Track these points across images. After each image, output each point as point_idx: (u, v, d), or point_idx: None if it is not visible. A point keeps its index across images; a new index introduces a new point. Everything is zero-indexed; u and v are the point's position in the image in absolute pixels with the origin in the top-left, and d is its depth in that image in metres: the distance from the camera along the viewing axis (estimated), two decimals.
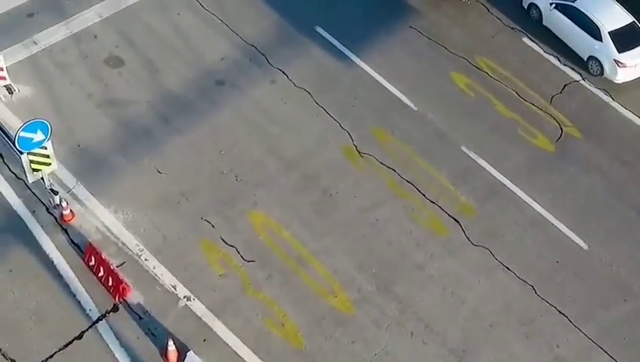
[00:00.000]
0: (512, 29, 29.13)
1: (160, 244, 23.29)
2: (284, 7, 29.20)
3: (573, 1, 28.14)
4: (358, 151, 25.65)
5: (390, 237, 23.86)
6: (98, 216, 23.73)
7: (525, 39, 28.83)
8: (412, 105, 26.87)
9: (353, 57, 28.02)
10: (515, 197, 24.87)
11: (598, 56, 27.51)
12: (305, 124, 26.20)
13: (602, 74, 27.62)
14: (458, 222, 24.28)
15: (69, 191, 24.13)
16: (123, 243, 23.26)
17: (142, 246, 23.22)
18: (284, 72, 27.44)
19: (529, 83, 27.67)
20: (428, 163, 25.47)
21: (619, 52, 27.10)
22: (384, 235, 23.90)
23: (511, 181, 25.21)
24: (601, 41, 27.36)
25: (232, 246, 23.35)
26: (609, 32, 27.28)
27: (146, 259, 22.98)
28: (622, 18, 27.67)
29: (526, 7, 29.57)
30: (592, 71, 27.88)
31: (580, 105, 27.27)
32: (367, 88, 27.22)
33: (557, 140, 26.27)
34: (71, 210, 23.53)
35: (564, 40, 28.36)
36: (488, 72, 27.82)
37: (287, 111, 26.50)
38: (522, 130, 26.46)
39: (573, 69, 28.10)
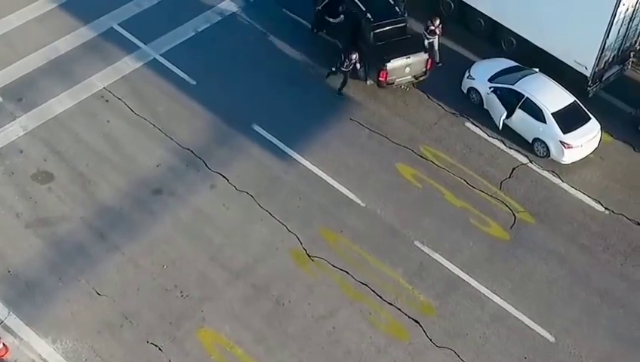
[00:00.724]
0: (454, 114, 28.76)
1: None
2: (218, 106, 28.36)
3: (513, 84, 27.91)
4: (307, 254, 24.66)
5: (349, 347, 22.76)
6: (34, 348, 22.14)
7: (468, 124, 28.48)
8: (359, 201, 26.09)
9: (294, 155, 27.22)
10: (474, 291, 24.12)
11: (543, 138, 27.23)
12: (250, 230, 25.16)
13: (549, 155, 27.31)
14: (419, 323, 23.35)
15: (0, 323, 22.47)
16: None
17: None
18: (223, 176, 26.46)
19: (476, 169, 27.21)
20: (381, 261, 24.61)
21: (564, 133, 26.85)
22: (342, 344, 22.79)
23: (468, 274, 24.48)
24: (544, 122, 27.11)
25: None
26: (552, 114, 27.05)
27: None
28: (563, 98, 27.53)
29: (465, 91, 29.30)
30: (538, 153, 27.59)
31: (530, 188, 26.86)
32: (311, 186, 26.39)
33: (511, 227, 25.73)
34: (4, 344, 21.91)
35: (507, 123, 28.02)
36: (434, 161, 27.29)
37: (229, 217, 25.44)
38: (474, 219, 25.85)
39: (519, 151, 27.77)
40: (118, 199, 25.66)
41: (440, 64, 29.76)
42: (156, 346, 22.42)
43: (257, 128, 27.91)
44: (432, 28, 29.36)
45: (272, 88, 29.18)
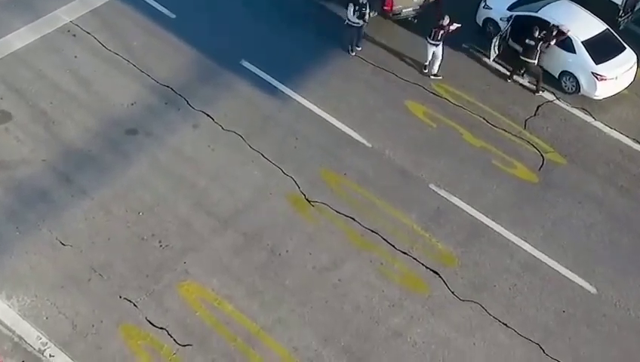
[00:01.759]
0: (468, 48, 25.65)
1: (68, 335, 18.57)
2: (201, 42, 25.21)
3: (536, 12, 24.86)
4: (307, 199, 21.53)
5: (358, 301, 19.63)
6: None
7: (486, 59, 25.36)
8: (365, 142, 22.98)
9: (289, 91, 24.09)
10: (501, 238, 21.07)
11: (572, 71, 24.21)
12: (239, 173, 22.02)
13: (578, 90, 24.30)
14: (438, 274, 20.25)
15: None
16: (20, 338, 18.48)
17: (45, 339, 18.47)
18: (208, 115, 23.31)
19: (497, 107, 24.17)
20: (392, 206, 21.50)
21: (596, 63, 23.83)
22: (350, 298, 19.65)
23: (492, 219, 21.42)
24: (574, 53, 24.07)
25: (161, 328, 18.78)
26: (583, 42, 24.02)
27: (51, 356, 18.23)
28: (594, 26, 24.53)
29: (481, 23, 26.25)
30: (566, 88, 24.57)
31: (558, 127, 23.83)
32: (309, 125, 23.26)
33: (539, 168, 22.70)
34: None
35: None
36: (449, 99, 24.23)
37: (215, 159, 22.30)
38: (497, 160, 22.80)
39: (543, 87, 24.69)
40: (86, 140, 22.48)
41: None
42: (130, 301, 19.24)
43: (246, 64, 24.79)
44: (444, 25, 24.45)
45: (263, 22, 26.12)
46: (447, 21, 24.01)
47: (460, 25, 24.23)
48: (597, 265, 20.59)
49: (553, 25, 23.92)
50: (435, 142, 23.17)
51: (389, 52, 25.51)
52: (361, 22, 24.57)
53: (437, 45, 24.25)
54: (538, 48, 23.75)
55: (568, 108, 24.33)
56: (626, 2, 25.47)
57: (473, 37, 26.00)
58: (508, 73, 24.84)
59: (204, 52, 24.95)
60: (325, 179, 22.02)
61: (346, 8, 24.51)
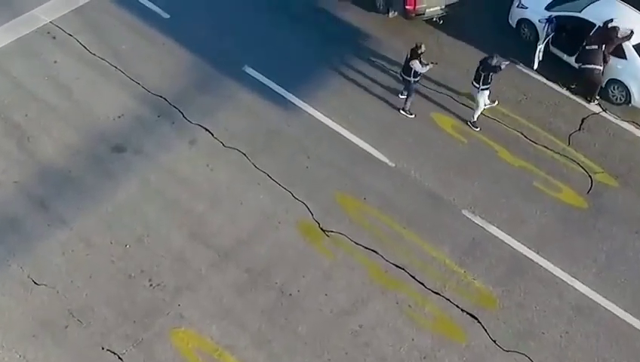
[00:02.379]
0: (501, 53, 22.71)
1: None
2: (199, 45, 22.34)
3: (580, 12, 21.97)
4: (321, 228, 18.65)
5: (383, 351, 16.74)
6: None
7: (521, 65, 22.48)
8: (387, 161, 20.11)
9: (298, 102, 21.23)
10: (547, 275, 18.18)
11: (622, 79, 21.32)
12: (243, 197, 19.14)
13: (629, 101, 21.42)
14: (476, 318, 17.36)
15: None
16: None
17: None
18: (206, 129, 20.45)
19: (536, 120, 21.30)
20: (420, 237, 18.61)
21: None
22: (374, 348, 16.77)
23: (537, 253, 18.54)
24: (624, 58, 21.18)
25: None
26: (634, 47, 21.13)
27: None
28: None
29: (514, 24, 23.36)
30: (614, 98, 21.68)
31: (607, 144, 20.94)
32: (321, 141, 20.40)
33: (588, 192, 19.81)
34: None
35: (570, 62, 22.10)
36: (481, 111, 21.30)
37: (215, 181, 19.41)
38: (539, 182, 19.91)
39: (599, 103, 21.80)
40: (65, 158, 19.62)
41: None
42: (114, 354, 16.38)
43: (250, 70, 21.90)
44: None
45: (269, 22, 23.26)
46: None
47: (508, 62, 20.94)
48: None
49: (609, 27, 21.02)
50: (467, 160, 20.30)
51: None
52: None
53: (489, 89, 20.73)
54: (603, 52, 20.82)
55: (617, 121, 21.44)
56: None
57: (505, 40, 23.09)
58: (586, 98, 21.86)
59: (201, 57, 22.10)
60: (342, 205, 19.14)
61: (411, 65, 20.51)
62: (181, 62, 21.99)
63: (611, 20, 21.27)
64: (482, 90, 20.43)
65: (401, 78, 21.02)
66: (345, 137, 20.55)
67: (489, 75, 20.19)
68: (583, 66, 21.21)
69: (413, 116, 21.00)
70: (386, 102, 21.43)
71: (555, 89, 22.10)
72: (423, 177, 19.80)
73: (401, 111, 21.01)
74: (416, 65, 20.24)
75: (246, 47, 22.47)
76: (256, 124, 20.69)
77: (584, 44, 21.18)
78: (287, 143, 20.33)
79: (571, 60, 22.05)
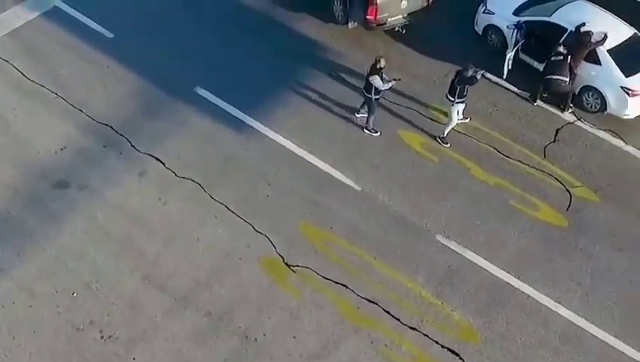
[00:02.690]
0: (468, 62, 21.48)
1: None
2: (147, 66, 20.89)
3: (550, 16, 20.84)
4: (286, 263, 17.32)
5: None
6: None
7: (489, 75, 21.28)
8: (353, 184, 18.82)
9: (255, 124, 19.87)
10: (531, 303, 17.02)
11: (596, 86, 20.22)
12: (199, 233, 17.72)
13: (604, 109, 20.33)
14: (458, 355, 16.19)
15: None
16: None
17: None
18: (157, 159, 19.02)
19: (509, 133, 20.16)
20: (393, 268, 17.37)
21: (626, 76, 19.87)
22: None
23: (518, 278, 17.38)
24: (598, 64, 20.08)
25: None
26: (609, 51, 20.04)
27: None
28: (620, 31, 20.58)
29: (480, 31, 22.18)
30: (589, 106, 20.59)
31: (584, 155, 19.85)
32: (283, 167, 19.04)
33: (567, 208, 18.67)
34: None
35: (538, 66, 20.98)
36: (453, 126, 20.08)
37: (169, 216, 17.98)
38: (516, 201, 18.76)
39: (574, 111, 20.69)
40: (2, 199, 18.11)
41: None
42: None
43: (202, 92, 20.51)
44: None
45: (220, 37, 21.90)
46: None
47: (484, 71, 19.71)
48: None
49: (582, 31, 19.90)
50: (438, 180, 19.07)
51: None
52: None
53: (464, 102, 19.49)
54: (568, 62, 19.71)
55: (593, 130, 20.35)
56: None
57: (472, 48, 21.91)
58: (529, 95, 20.76)
59: (150, 79, 20.64)
60: (307, 236, 17.81)
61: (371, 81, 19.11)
62: (127, 86, 20.50)
63: (583, 24, 20.16)
64: (457, 103, 19.20)
65: (361, 94, 19.72)
66: (307, 161, 19.22)
67: (464, 87, 18.96)
68: (547, 77, 20.04)
69: (378, 134, 19.73)
70: (350, 120, 20.15)
71: (527, 98, 20.92)
72: (393, 201, 18.52)
73: (365, 131, 19.71)
74: (376, 81, 18.94)
75: (197, 66, 21.06)
76: (210, 150, 19.28)
77: (551, 55, 20.03)
78: (245, 170, 18.95)
79: (542, 67, 20.90)
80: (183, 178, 18.65)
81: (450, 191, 18.83)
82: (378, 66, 18.91)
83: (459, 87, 18.98)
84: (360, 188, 18.73)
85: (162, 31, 21.86)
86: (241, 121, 19.93)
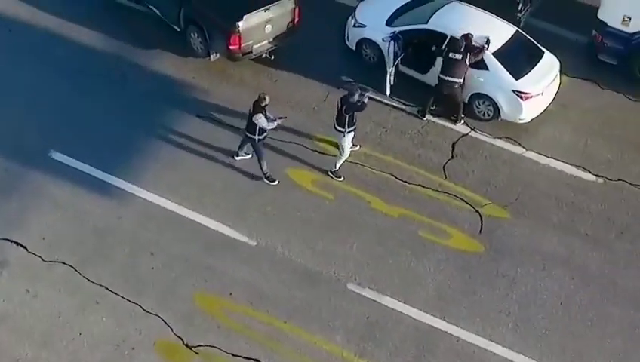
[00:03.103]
0: (346, 82, 19.92)
1: None
2: None
3: (426, 23, 19.51)
4: (186, 344, 15.34)
5: None
6: None
7: (370, 93, 19.72)
8: (246, 239, 16.97)
9: (125, 186, 17.72)
10: (461, 345, 15.67)
11: (486, 92, 19.04)
12: (80, 326, 15.49)
13: (498, 115, 19.18)
14: None
15: None
16: None
17: None
18: (17, 243, 16.63)
19: (403, 155, 18.75)
20: (307, 330, 15.69)
21: (516, 79, 18.76)
22: None
23: (443, 319, 15.96)
24: (485, 69, 18.89)
25: None
26: (494, 54, 18.88)
27: None
28: (502, 30, 19.49)
29: (354, 46, 20.61)
30: (481, 114, 19.41)
31: (486, 168, 18.66)
32: (165, 231, 16.99)
33: (479, 231, 17.40)
34: None
35: (425, 81, 19.64)
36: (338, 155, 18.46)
37: (41, 310, 15.64)
38: (424, 231, 17.31)
39: (466, 122, 19.42)
40: None
41: None
42: None
43: (59, 156, 18.16)
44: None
45: (70, 90, 19.48)
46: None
47: (371, 91, 18.41)
48: (593, 357, 15.46)
49: (462, 35, 18.66)
50: (338, 220, 17.45)
51: (244, 105, 19.36)
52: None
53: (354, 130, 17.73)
54: (467, 63, 18.41)
55: (490, 140, 19.18)
56: None
57: (347, 65, 20.39)
58: (417, 110, 19.39)
59: None
60: (205, 308, 15.85)
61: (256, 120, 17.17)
62: None
63: (463, 28, 18.92)
64: (348, 133, 17.51)
65: (243, 136, 17.81)
66: (191, 220, 17.23)
67: (353, 114, 17.30)
68: (442, 76, 18.67)
69: (276, 183, 17.82)
70: (230, 165, 18.21)
71: (414, 114, 19.54)
72: (293, 252, 16.75)
73: (265, 180, 17.77)
74: (260, 121, 17.07)
75: (49, 126, 18.67)
76: (79, 224, 16.97)
77: (446, 50, 18.63)
78: (121, 242, 16.74)
79: (426, 78, 19.59)
80: (52, 261, 16.32)
81: (353, 230, 17.22)
82: (263, 104, 17.04)
83: (347, 116, 17.33)
84: (255, 243, 16.88)
85: (2, 88, 19.27)
86: (109, 183, 17.72)
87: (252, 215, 17.34)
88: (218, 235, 16.93)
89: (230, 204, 17.50)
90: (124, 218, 17.13)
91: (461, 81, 18.62)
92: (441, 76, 18.65)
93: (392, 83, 19.57)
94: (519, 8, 20.76)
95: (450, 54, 18.44)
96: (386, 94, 19.65)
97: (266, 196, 17.71)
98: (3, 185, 17.50)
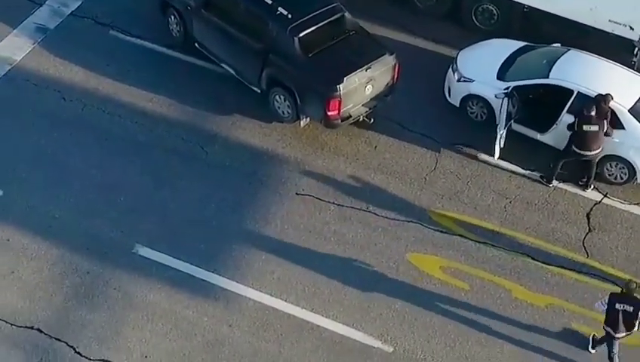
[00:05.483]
0: (456, 145, 18.25)
1: None
2: (60, 232, 16.36)
3: (547, 76, 17.86)
4: None
5: None
6: None
7: (485, 156, 18.11)
8: (380, 344, 15.24)
9: (232, 285, 15.93)
10: None
11: (622, 154, 17.46)
12: None
13: (632, 178, 17.61)
14: None
15: None
16: None
17: None
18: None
19: (535, 230, 17.16)
20: None
21: None
22: None
23: None
24: (622, 128, 17.30)
25: None
26: (630, 111, 17.32)
27: None
28: (633, 83, 17.92)
29: (458, 103, 18.87)
30: (612, 178, 17.81)
31: (629, 242, 17.12)
32: (286, 339, 15.21)
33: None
34: None
35: (544, 141, 18.00)
36: (465, 234, 16.80)
37: None
38: (577, 322, 15.79)
39: (596, 187, 17.77)
40: None
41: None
42: None
43: (144, 251, 16.11)
44: None
45: (141, 170, 17.45)
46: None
47: None
48: None
49: (600, 96, 17.09)
50: (478, 314, 15.67)
51: (346, 177, 17.69)
52: None
53: None
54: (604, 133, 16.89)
55: (626, 207, 17.58)
56: None
57: (452, 124, 18.70)
58: (539, 175, 17.81)
59: (69, 253, 16.03)
60: None
61: None
62: (40, 270, 15.80)
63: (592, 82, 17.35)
64: None
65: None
66: (313, 323, 15.33)
67: None
68: (576, 150, 17.12)
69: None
70: (341, 253, 16.35)
71: (539, 180, 17.89)
72: (436, 358, 14.97)
73: None
74: None
75: (127, 215, 16.64)
76: (184, 336, 15.01)
77: (577, 121, 17.01)
78: (238, 355, 14.80)
79: (545, 138, 17.98)
80: None
81: (500, 326, 15.51)
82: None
83: None
84: (391, 349, 15.11)
85: (63, 181, 17.20)
86: (208, 282, 15.82)
87: (381, 313, 15.56)
88: (348, 341, 15.13)
89: (353, 301, 15.70)
90: (235, 326, 15.23)
91: (599, 152, 17.05)
92: (575, 150, 17.06)
93: (501, 146, 17.91)
94: (635, 52, 19.21)
95: (585, 127, 16.80)
96: (493, 157, 17.99)
97: (390, 288, 15.94)
98: (88, 291, 15.50)
